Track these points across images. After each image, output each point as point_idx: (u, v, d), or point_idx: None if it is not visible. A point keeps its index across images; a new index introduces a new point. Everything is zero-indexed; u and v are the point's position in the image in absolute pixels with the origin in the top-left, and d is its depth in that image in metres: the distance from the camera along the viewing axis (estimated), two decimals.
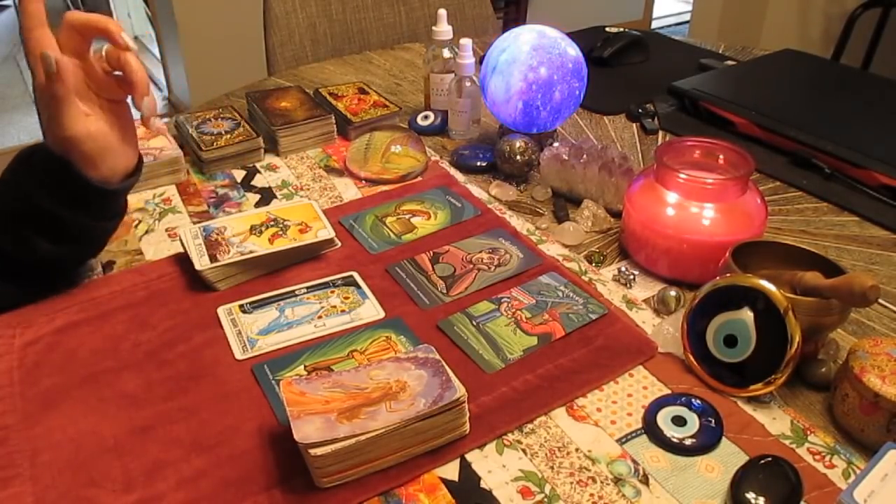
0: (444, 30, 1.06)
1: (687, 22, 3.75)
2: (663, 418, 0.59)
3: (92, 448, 0.57)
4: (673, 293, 0.72)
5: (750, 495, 0.51)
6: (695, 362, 0.64)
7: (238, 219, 0.80)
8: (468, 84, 1.00)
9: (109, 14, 3.96)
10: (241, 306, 0.72)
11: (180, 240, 0.78)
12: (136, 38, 4.01)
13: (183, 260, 0.77)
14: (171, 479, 0.54)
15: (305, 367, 0.65)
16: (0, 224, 0.67)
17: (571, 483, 0.55)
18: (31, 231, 0.67)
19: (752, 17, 2.66)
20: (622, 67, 1.32)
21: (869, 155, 0.92)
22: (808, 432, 0.58)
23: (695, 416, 0.59)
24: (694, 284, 0.72)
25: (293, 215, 0.81)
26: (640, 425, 0.59)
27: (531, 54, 0.91)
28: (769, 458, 0.54)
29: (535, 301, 0.72)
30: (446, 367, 0.58)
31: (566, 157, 0.89)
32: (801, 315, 0.59)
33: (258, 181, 0.95)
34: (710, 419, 0.59)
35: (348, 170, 0.97)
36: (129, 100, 0.69)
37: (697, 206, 0.74)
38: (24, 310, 0.71)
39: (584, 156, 0.88)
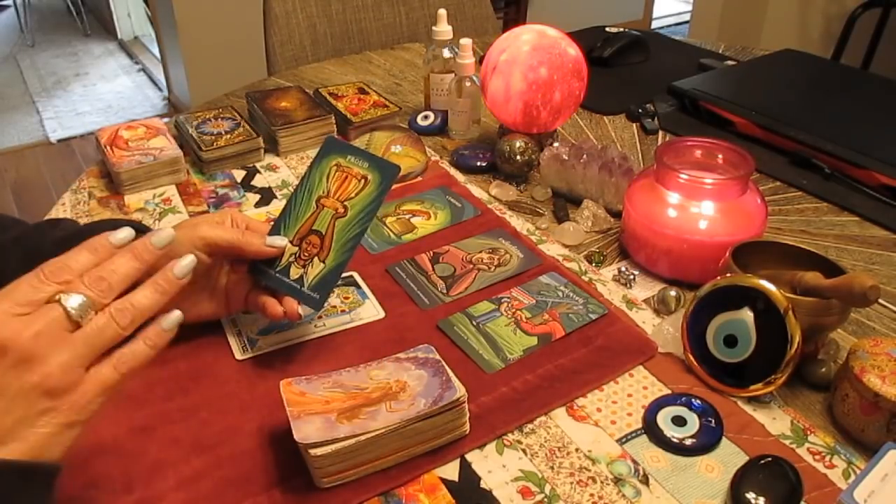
0: (444, 30, 1.06)
1: (687, 22, 3.75)
2: (663, 418, 0.59)
3: (91, 448, 0.57)
4: (673, 293, 0.72)
5: (750, 495, 0.51)
6: (695, 362, 0.64)
7: None
8: (468, 84, 1.00)
9: (110, 14, 3.96)
10: None
11: None
12: (135, 38, 4.02)
13: None
14: (171, 480, 0.54)
15: (291, 241, 0.65)
16: None
17: (571, 483, 0.55)
18: None
19: (752, 17, 2.66)
20: (622, 67, 1.32)
21: (869, 155, 0.92)
22: (808, 432, 0.58)
23: (695, 416, 0.59)
24: (694, 284, 0.72)
25: None
26: (640, 425, 0.59)
27: (531, 54, 0.91)
28: (769, 458, 0.54)
29: (535, 301, 0.72)
30: (446, 367, 0.58)
31: (566, 157, 0.89)
32: (801, 315, 0.59)
33: (258, 181, 0.95)
34: (710, 419, 0.59)
35: None
36: None
37: (697, 206, 0.74)
38: None
39: (584, 156, 0.88)
